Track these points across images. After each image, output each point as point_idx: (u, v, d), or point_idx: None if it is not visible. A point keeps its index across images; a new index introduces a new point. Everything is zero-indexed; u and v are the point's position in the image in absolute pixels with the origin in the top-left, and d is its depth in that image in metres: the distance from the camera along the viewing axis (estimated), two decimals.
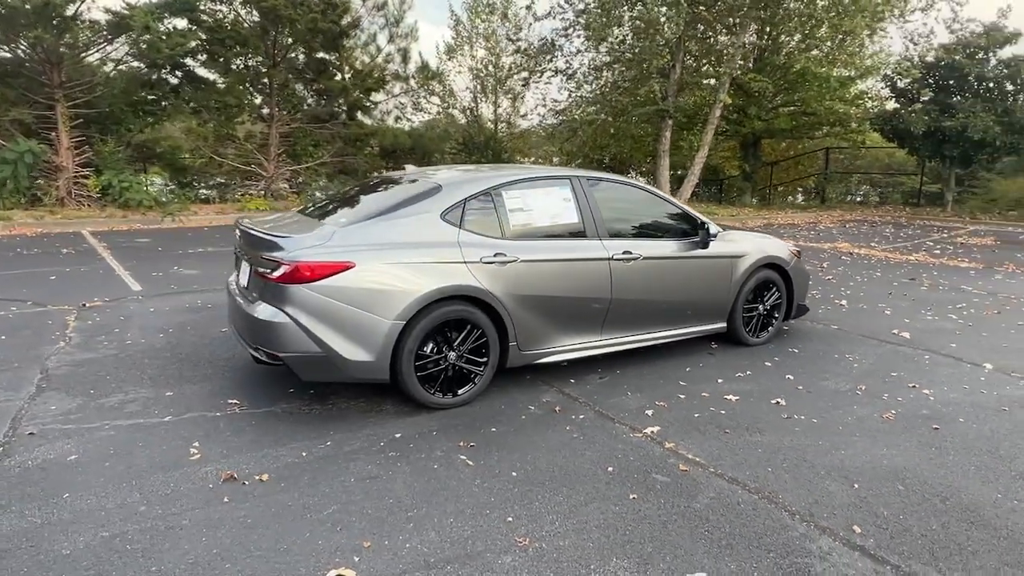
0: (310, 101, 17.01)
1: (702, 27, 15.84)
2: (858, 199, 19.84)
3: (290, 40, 14.65)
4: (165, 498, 2.81)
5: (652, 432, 3.54)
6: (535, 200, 4.20)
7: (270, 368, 4.24)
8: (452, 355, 3.74)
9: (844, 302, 6.90)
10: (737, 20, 15.10)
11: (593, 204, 4.39)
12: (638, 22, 14.64)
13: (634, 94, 17.08)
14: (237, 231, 4.10)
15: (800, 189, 21.16)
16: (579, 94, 18.29)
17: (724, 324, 5.04)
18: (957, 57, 15.21)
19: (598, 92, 17.90)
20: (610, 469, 3.13)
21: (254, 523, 2.64)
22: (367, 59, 17.47)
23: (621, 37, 16.01)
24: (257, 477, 2.99)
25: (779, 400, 4.03)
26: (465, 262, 3.75)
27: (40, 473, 3.00)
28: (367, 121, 17.60)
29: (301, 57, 15.63)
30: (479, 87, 21.07)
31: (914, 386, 4.32)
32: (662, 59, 15.43)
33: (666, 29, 13.88)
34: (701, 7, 14.52)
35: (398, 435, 3.47)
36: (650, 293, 4.49)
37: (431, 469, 3.11)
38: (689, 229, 4.79)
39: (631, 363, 4.64)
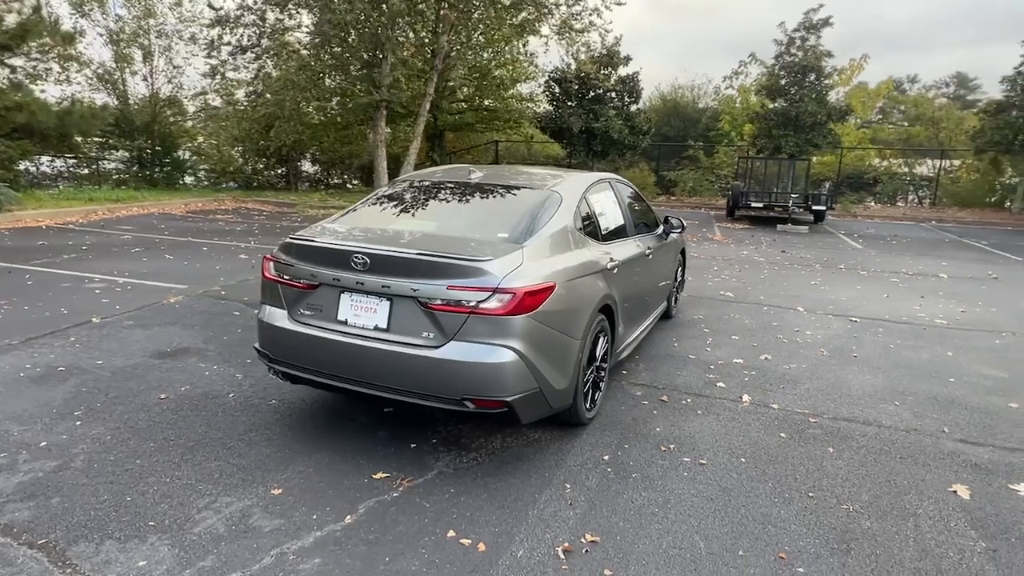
0: None
1: (402, 22, 16.28)
2: None
3: None
4: None
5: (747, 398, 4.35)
6: (604, 203, 4.45)
7: (333, 421, 3.60)
8: (595, 365, 3.82)
9: None
10: (441, 16, 16.03)
11: (624, 203, 4.83)
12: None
13: (350, 82, 16.53)
14: (324, 253, 3.28)
15: None
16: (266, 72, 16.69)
17: (666, 305, 6.01)
18: (592, 70, 19.23)
19: (288, 72, 16.64)
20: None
21: None
22: None
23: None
24: (587, 538, 2.78)
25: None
26: (604, 270, 3.85)
27: None
28: None
29: None
30: (124, 55, 17.27)
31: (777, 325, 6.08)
32: (364, 49, 15.35)
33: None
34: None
35: (606, 457, 3.50)
36: (651, 284, 5.16)
37: (729, 477, 3.33)
38: (654, 221, 5.56)
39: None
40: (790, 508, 3.04)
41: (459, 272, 3.05)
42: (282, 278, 3.49)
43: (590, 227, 4.06)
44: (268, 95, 16.67)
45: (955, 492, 3.24)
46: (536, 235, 3.47)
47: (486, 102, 21.38)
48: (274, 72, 16.57)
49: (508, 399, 3.04)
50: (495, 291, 3.01)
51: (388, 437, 3.62)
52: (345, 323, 3.28)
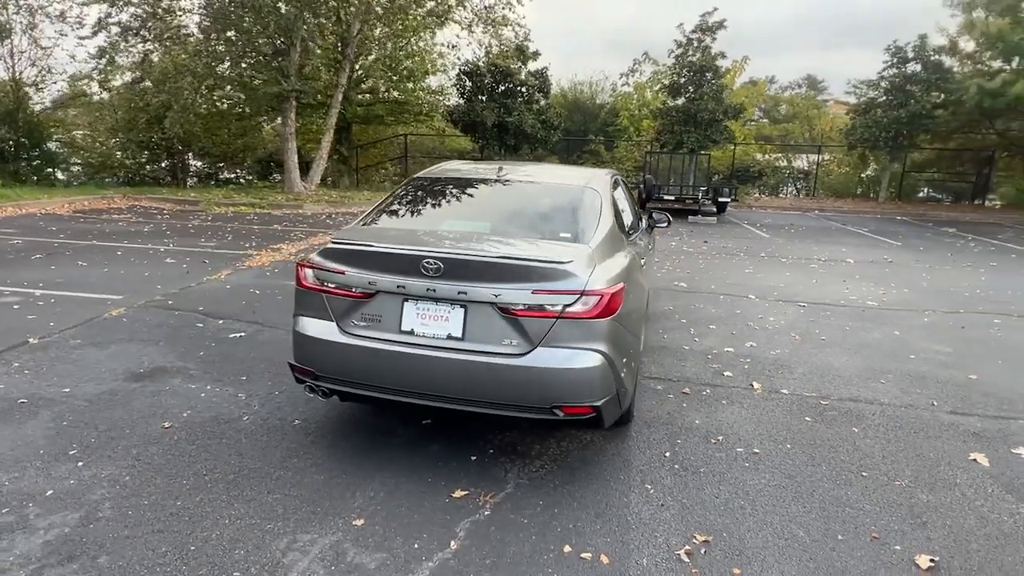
0: None
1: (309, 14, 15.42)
2: None
3: None
4: None
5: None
6: (621, 199, 4.46)
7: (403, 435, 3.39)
8: None
9: None
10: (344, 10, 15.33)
11: (631, 198, 4.87)
12: None
13: (255, 70, 15.38)
14: (385, 259, 3.04)
15: (394, 171, 22.92)
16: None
17: None
18: (505, 64, 19.26)
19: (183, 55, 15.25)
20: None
21: None
22: None
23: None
24: (698, 538, 2.78)
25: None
26: (640, 266, 3.87)
27: None
28: None
29: None
30: None
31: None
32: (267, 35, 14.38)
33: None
34: None
35: (668, 454, 3.52)
36: (651, 278, 5.26)
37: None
38: (640, 215, 5.62)
39: None
40: (854, 489, 3.22)
41: (543, 275, 2.93)
42: (326, 287, 3.18)
43: (620, 224, 4.06)
44: (150, 83, 15.22)
45: (975, 460, 3.58)
46: (595, 235, 3.40)
47: (394, 94, 20.79)
48: (161, 57, 15.14)
49: (598, 403, 2.97)
50: (582, 294, 2.92)
51: (443, 451, 3.43)
52: (411, 333, 3.05)
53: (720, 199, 16.61)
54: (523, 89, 19.82)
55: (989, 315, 6.92)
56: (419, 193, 3.99)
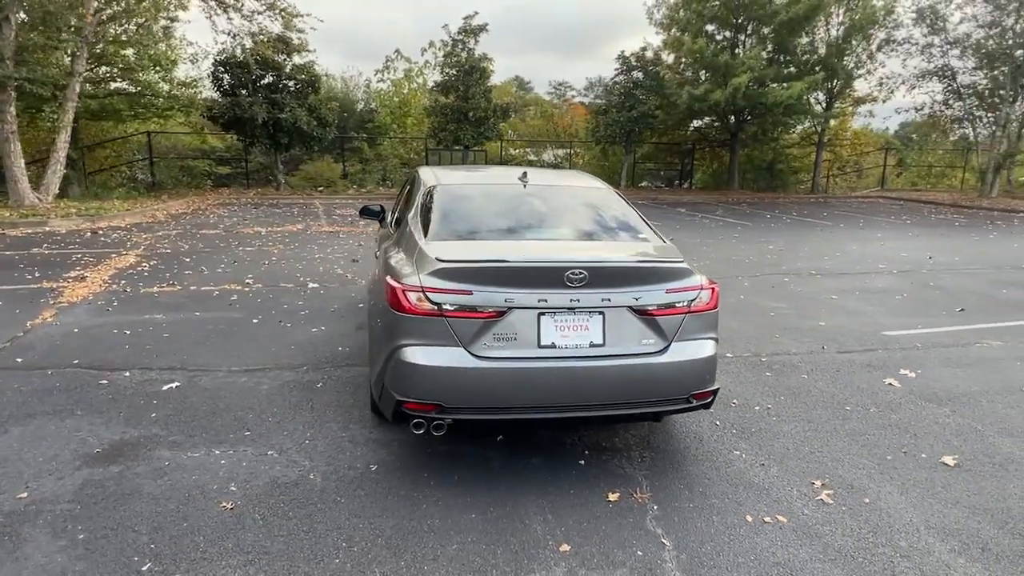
0: None
1: None
2: (187, 183, 19.79)
3: None
4: None
5: None
6: None
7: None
8: None
9: None
10: None
11: None
12: None
13: None
14: (523, 273, 2.96)
15: (137, 175, 19.20)
16: None
17: None
18: (270, 55, 17.67)
19: None
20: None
21: None
22: None
23: None
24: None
25: None
26: None
27: None
28: None
29: None
30: None
31: None
32: None
33: None
34: None
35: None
36: None
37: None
38: None
39: None
40: (852, 421, 4.07)
41: (672, 275, 3.14)
42: (445, 310, 2.92)
43: None
44: None
45: (892, 384, 4.76)
46: (655, 234, 3.68)
47: (122, 84, 17.56)
48: None
49: (716, 386, 3.29)
50: (702, 288, 3.20)
51: (547, 463, 3.40)
52: (553, 346, 2.99)
53: None
54: (291, 83, 18.48)
55: (779, 275, 8.85)
56: (453, 205, 3.76)
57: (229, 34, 16.69)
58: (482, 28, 20.21)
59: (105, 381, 4.34)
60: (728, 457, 3.53)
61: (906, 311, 6.98)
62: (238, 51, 17.35)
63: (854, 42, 23.20)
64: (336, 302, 6.76)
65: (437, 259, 3.03)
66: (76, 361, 4.70)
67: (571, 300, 2.99)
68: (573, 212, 3.88)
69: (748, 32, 22.98)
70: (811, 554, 2.68)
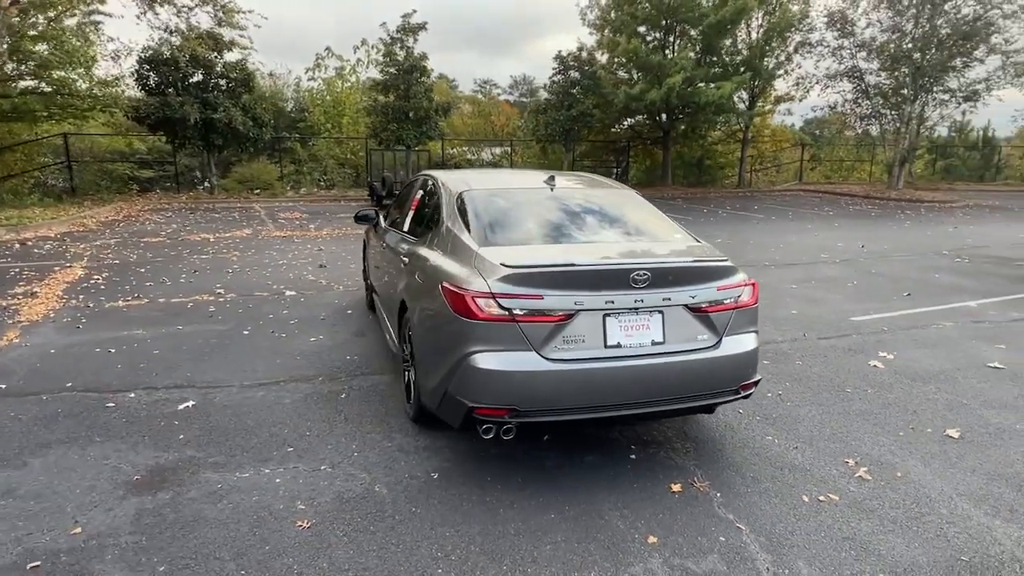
0: None
1: None
2: (109, 188, 18.45)
3: None
4: None
5: None
6: None
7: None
8: None
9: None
10: None
11: None
12: None
13: None
14: (590, 276, 3.05)
15: (49, 181, 17.68)
16: None
17: None
18: (201, 52, 16.80)
19: None
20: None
21: None
22: None
23: None
24: None
25: None
26: None
27: None
28: None
29: None
30: None
31: None
32: None
33: None
34: None
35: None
36: None
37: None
38: None
39: None
40: (856, 401, 4.39)
41: (721, 273, 3.30)
42: (516, 315, 2.96)
43: None
44: None
45: (876, 365, 5.14)
46: (687, 233, 3.84)
47: (30, 83, 16.26)
48: None
49: (759, 377, 3.48)
50: (745, 285, 3.38)
51: (602, 460, 3.50)
52: (618, 346, 3.09)
53: None
54: (223, 82, 17.66)
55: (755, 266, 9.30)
56: (493, 210, 3.76)
57: (165, 30, 15.75)
58: (421, 27, 19.98)
59: (112, 404, 4.08)
60: (763, 443, 3.73)
61: (862, 297, 7.52)
62: (164, 48, 16.41)
63: (773, 44, 24.55)
64: (322, 310, 6.59)
65: (503, 265, 3.06)
66: (69, 384, 4.39)
67: (635, 301, 3.09)
68: (609, 214, 3.97)
69: (677, 33, 23.85)
70: (871, 527, 2.90)
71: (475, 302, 2.98)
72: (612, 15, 23.73)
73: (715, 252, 3.52)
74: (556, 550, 2.70)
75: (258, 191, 19.32)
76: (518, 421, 3.04)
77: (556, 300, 3.00)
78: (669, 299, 3.15)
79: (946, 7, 23.29)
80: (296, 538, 2.74)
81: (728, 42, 23.87)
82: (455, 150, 27.87)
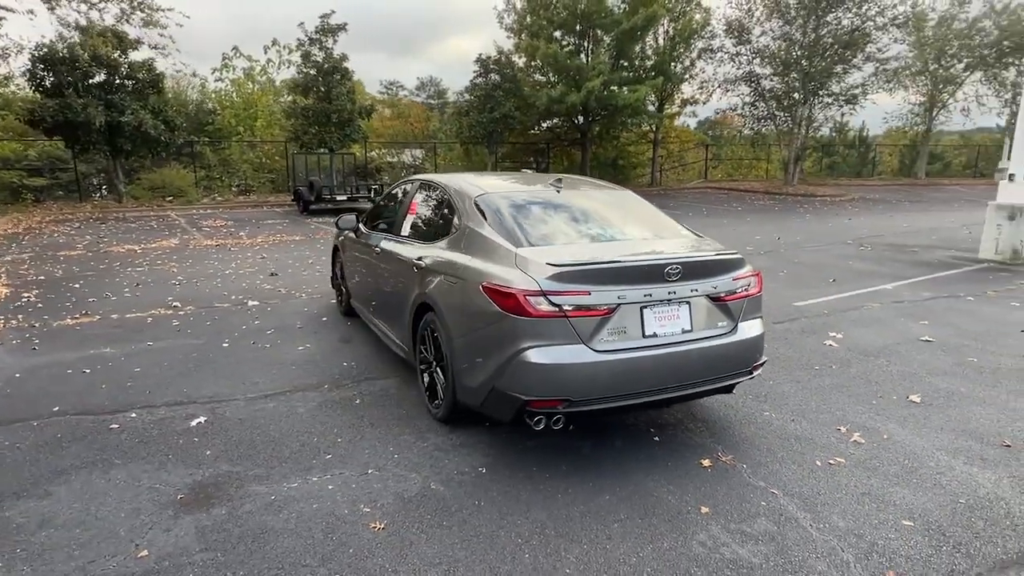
0: None
1: None
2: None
3: None
4: None
5: None
6: None
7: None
8: None
9: None
10: None
11: None
12: None
13: None
14: (630, 272, 3.28)
15: None
16: None
17: None
18: (105, 50, 15.62)
19: None
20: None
21: None
22: None
23: None
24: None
25: None
26: None
27: None
28: None
29: None
30: None
31: None
32: None
33: None
34: None
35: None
36: None
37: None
38: None
39: None
40: (826, 377, 4.89)
41: (735, 265, 3.63)
42: (566, 310, 3.14)
43: None
44: None
45: (831, 344, 5.72)
46: (688, 229, 4.16)
47: None
48: None
49: (765, 358, 3.84)
50: (753, 275, 3.73)
51: (627, 445, 3.74)
52: (655, 336, 3.33)
53: None
54: (129, 82, 16.52)
55: None
56: (518, 212, 3.90)
57: (67, 25, 14.52)
58: (340, 27, 19.58)
59: (116, 425, 3.87)
60: (763, 418, 4.11)
61: (797, 285, 8.24)
62: (60, 45, 15.16)
63: (680, 50, 25.97)
64: (295, 318, 6.44)
65: (549, 264, 3.22)
66: (57, 408, 4.11)
67: (668, 293, 3.35)
68: (621, 214, 4.23)
69: (591, 39, 24.71)
70: (880, 483, 3.31)
71: (527, 300, 3.13)
72: (528, 19, 24.25)
73: (719, 245, 3.85)
74: (624, 527, 2.90)
75: (171, 198, 18.23)
76: (570, 411, 3.22)
77: (601, 295, 3.20)
78: (696, 290, 3.44)
79: (828, 19, 25.55)
80: (375, 539, 2.78)
81: (638, 48, 25.00)
82: (375, 152, 27.46)
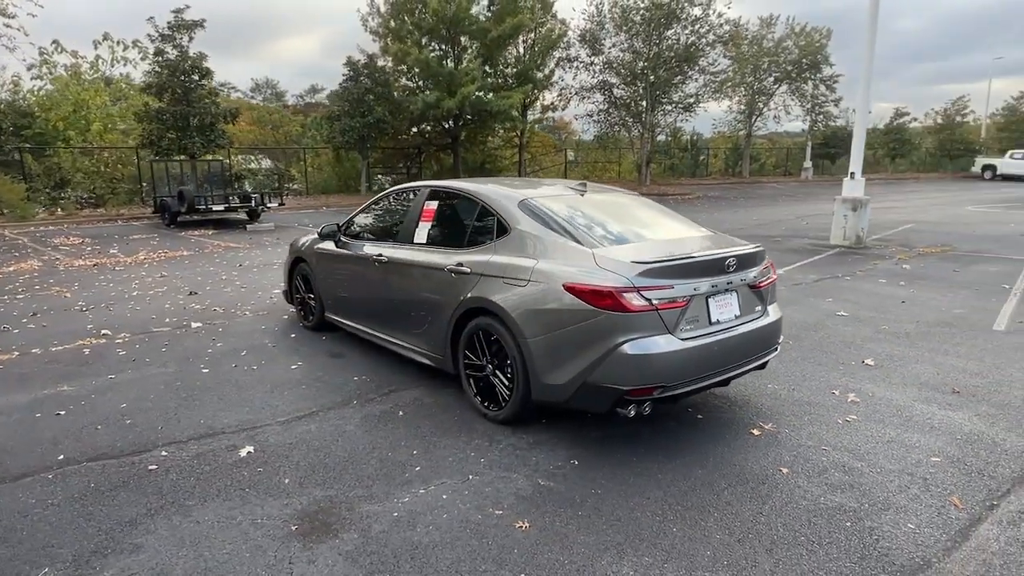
0: None
1: None
2: None
3: None
4: None
5: None
6: None
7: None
8: None
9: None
10: None
11: None
12: None
13: None
14: (702, 266, 3.64)
15: None
16: None
17: None
18: None
19: None
20: None
21: None
22: None
23: None
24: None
25: None
26: None
27: None
28: None
29: None
30: None
31: None
32: None
33: None
34: None
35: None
36: None
37: None
38: None
39: None
40: (822, 356, 5.62)
41: (762, 257, 4.11)
42: (655, 303, 3.40)
43: None
44: None
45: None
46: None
47: None
48: None
49: (782, 337, 4.38)
50: (772, 265, 4.25)
51: (679, 427, 4.09)
52: (718, 323, 3.70)
53: (270, 204, 16.38)
54: None
55: None
56: (572, 215, 4.08)
57: None
58: (198, 24, 18.03)
59: (154, 466, 3.46)
60: (771, 390, 4.67)
61: None
62: None
63: (542, 59, 27.16)
64: (258, 337, 6.02)
65: (634, 262, 3.46)
66: (62, 457, 3.56)
67: (727, 283, 3.75)
68: (649, 214, 4.58)
69: (460, 45, 25.02)
70: (894, 431, 3.96)
71: (624, 296, 3.34)
72: (392, 23, 23.99)
73: (737, 239, 4.32)
74: (733, 493, 3.22)
75: (1, 214, 15.64)
76: (663, 396, 3.48)
77: (681, 288, 3.51)
78: (744, 279, 3.87)
79: (668, 33, 28.18)
80: (529, 537, 2.84)
81: (504, 55, 25.77)
82: (232, 159, 25.51)
